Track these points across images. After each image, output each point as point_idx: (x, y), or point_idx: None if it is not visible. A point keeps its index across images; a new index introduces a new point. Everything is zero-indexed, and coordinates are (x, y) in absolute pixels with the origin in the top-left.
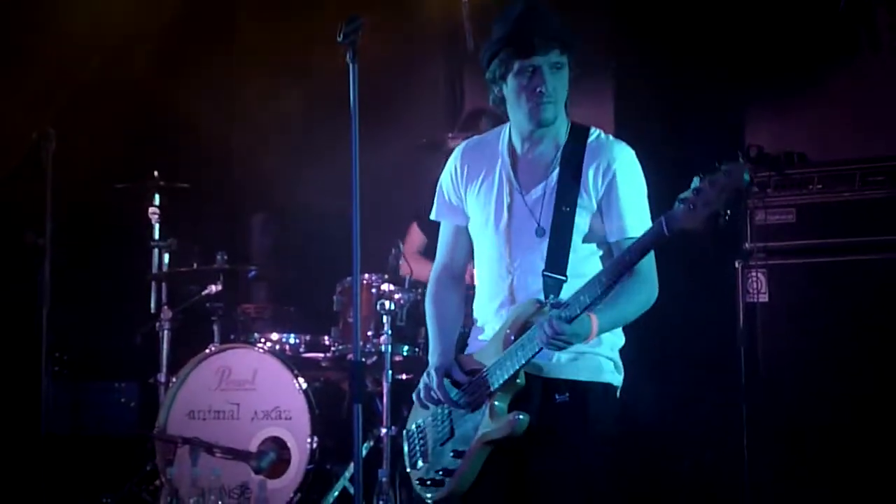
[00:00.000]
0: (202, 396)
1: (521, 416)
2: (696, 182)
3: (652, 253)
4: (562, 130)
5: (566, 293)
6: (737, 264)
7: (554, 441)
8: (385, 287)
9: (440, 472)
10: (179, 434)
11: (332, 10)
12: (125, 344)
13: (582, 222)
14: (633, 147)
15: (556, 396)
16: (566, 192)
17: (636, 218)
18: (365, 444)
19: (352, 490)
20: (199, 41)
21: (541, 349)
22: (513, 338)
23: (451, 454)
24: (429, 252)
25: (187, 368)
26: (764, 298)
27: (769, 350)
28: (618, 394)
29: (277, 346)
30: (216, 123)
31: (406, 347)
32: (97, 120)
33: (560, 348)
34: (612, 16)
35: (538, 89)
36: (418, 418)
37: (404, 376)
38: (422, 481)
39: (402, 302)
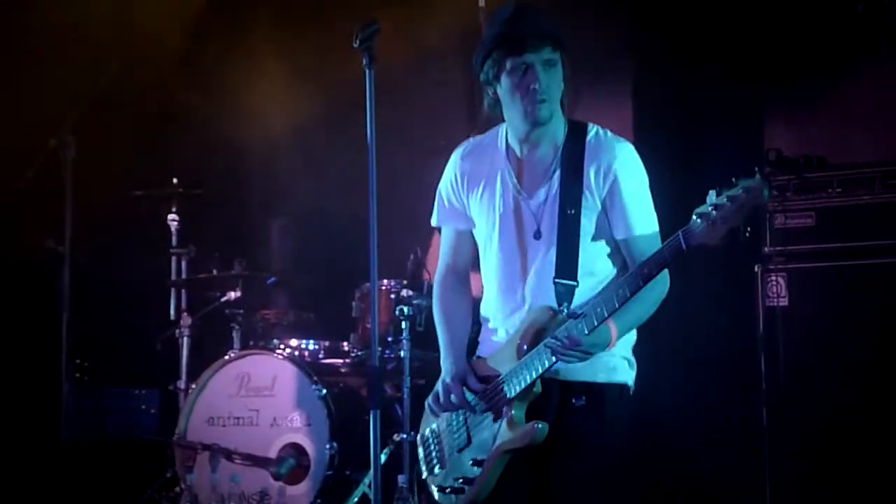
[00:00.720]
0: (222, 403)
1: (539, 426)
2: (712, 196)
3: (660, 244)
4: (559, 130)
5: (579, 298)
6: (756, 268)
7: (573, 445)
8: (404, 293)
9: (460, 481)
10: (199, 440)
11: (349, 14)
12: (145, 350)
13: (588, 223)
14: (652, 151)
15: (574, 401)
16: (569, 195)
17: (640, 214)
18: (384, 450)
19: (371, 496)
20: (218, 47)
21: (557, 360)
22: (525, 347)
23: (471, 462)
24: None
25: (207, 375)
26: (784, 302)
27: (789, 353)
28: (631, 392)
29: (297, 353)
30: (235, 130)
31: (425, 353)
32: (116, 126)
33: (580, 360)
34: (631, 19)
35: (532, 87)
36: (431, 423)
37: (423, 381)
38: (441, 489)
39: (420, 307)
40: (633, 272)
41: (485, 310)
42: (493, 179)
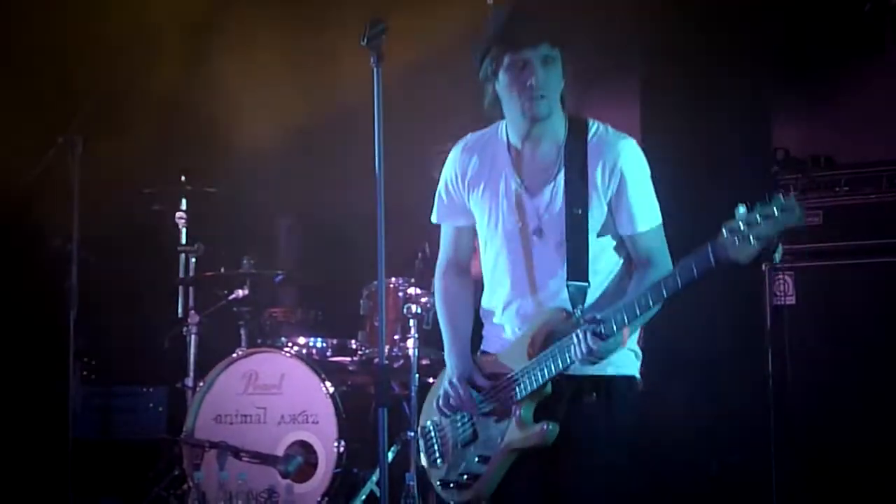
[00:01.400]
0: (229, 401)
1: (549, 427)
2: (742, 212)
3: (663, 235)
4: (560, 127)
5: (591, 298)
6: (763, 267)
7: (584, 440)
8: (411, 291)
9: (465, 476)
10: (207, 438)
11: (358, 13)
12: (153, 348)
13: (595, 222)
14: (659, 150)
15: (584, 397)
16: (575, 195)
17: (645, 210)
18: (392, 448)
19: (379, 494)
20: (226, 46)
21: (573, 363)
22: (537, 347)
23: (477, 459)
24: None
25: (214, 373)
26: (791, 301)
27: (796, 352)
28: (639, 383)
29: (304, 351)
30: (242, 128)
31: (432, 351)
32: (124, 124)
33: (593, 363)
34: (639, 18)
35: (528, 83)
36: (433, 415)
37: (431, 380)
38: (444, 483)
39: (428, 306)
40: (657, 282)
41: (487, 303)
42: (495, 176)
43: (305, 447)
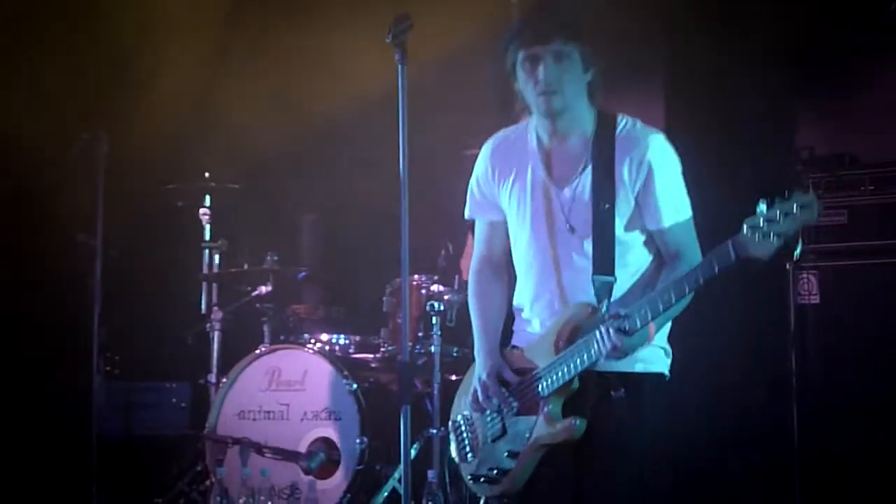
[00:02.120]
0: (252, 397)
1: (577, 422)
2: (762, 207)
3: (692, 229)
4: (587, 121)
5: (617, 292)
6: (788, 266)
7: (612, 437)
8: (435, 288)
9: (494, 471)
10: (229, 434)
11: (381, 10)
12: (176, 344)
13: (621, 217)
14: (683, 146)
15: (612, 393)
16: (602, 190)
17: (673, 205)
18: (414, 445)
19: (401, 491)
20: (249, 42)
21: (598, 359)
22: (562, 343)
23: (506, 454)
24: None
25: (237, 369)
26: (815, 300)
27: (820, 351)
28: (668, 380)
29: (327, 347)
30: (266, 124)
31: (455, 348)
32: (148, 121)
33: (618, 359)
34: (664, 16)
35: (538, 78)
36: (464, 409)
37: (454, 377)
38: (475, 477)
39: (451, 303)
40: (679, 278)
41: (518, 299)
42: (524, 172)
43: (328, 444)
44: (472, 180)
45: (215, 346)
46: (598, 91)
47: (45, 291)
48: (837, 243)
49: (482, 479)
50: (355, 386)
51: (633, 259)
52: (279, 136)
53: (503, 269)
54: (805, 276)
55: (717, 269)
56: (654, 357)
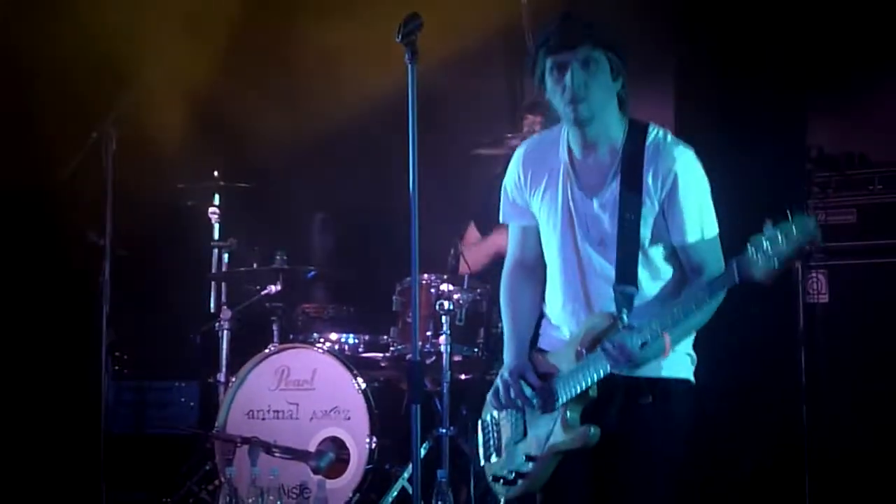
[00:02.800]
0: (261, 396)
1: (591, 430)
2: (768, 229)
3: (717, 246)
4: (617, 130)
5: (639, 303)
6: (797, 265)
7: (639, 443)
8: (444, 287)
9: (513, 474)
10: (239, 434)
11: (392, 9)
12: (185, 343)
13: (647, 228)
14: (694, 147)
15: (640, 399)
16: (629, 200)
17: (698, 221)
18: (424, 445)
19: (410, 490)
20: (260, 41)
21: (611, 369)
22: (584, 351)
23: (524, 457)
24: None
25: (247, 368)
26: (824, 299)
27: (830, 350)
28: (693, 387)
29: (336, 346)
30: (276, 123)
31: (465, 347)
32: (158, 120)
33: (632, 369)
34: (674, 16)
35: (566, 85)
36: (492, 409)
37: (463, 376)
38: (495, 478)
39: (460, 302)
40: (687, 295)
41: (548, 303)
42: (554, 179)
43: (337, 443)
44: (506, 183)
45: (224, 346)
46: (628, 100)
47: (55, 291)
48: (847, 242)
49: (501, 481)
50: (364, 385)
51: (656, 270)
52: (289, 135)
53: (535, 272)
54: (814, 275)
55: (721, 288)
56: (680, 363)
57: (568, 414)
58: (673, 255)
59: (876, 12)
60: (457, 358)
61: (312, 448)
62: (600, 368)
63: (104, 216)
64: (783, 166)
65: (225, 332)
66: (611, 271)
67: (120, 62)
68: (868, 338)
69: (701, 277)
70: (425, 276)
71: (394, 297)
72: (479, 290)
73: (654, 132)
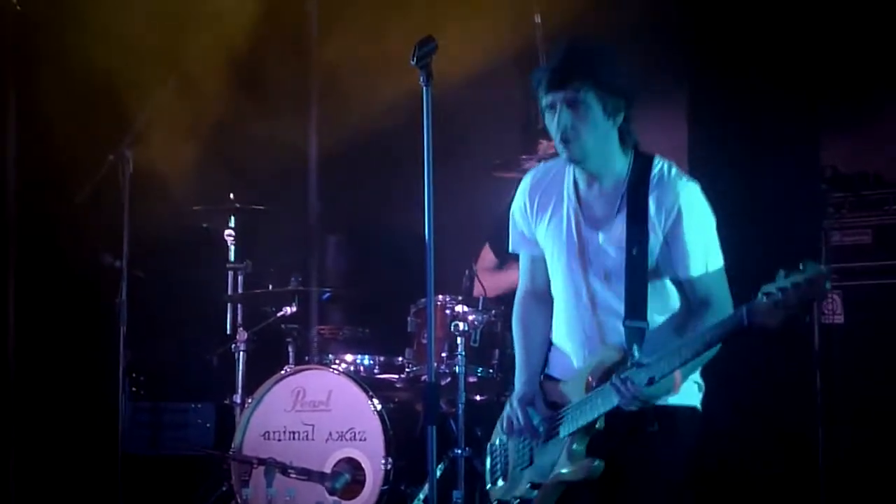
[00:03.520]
0: (277, 417)
1: (595, 463)
2: (781, 278)
3: (722, 279)
4: (621, 164)
5: (651, 335)
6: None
7: (643, 472)
8: (459, 308)
9: (517, 500)
10: (255, 455)
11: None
12: (201, 365)
13: (653, 262)
14: (708, 169)
15: (647, 428)
16: (634, 235)
17: (702, 253)
18: (439, 466)
19: None
20: (276, 62)
21: (619, 404)
22: (594, 384)
23: (529, 485)
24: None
25: (263, 389)
26: (840, 320)
27: (845, 371)
28: (700, 415)
29: (352, 368)
30: (291, 145)
31: (480, 369)
32: (173, 142)
33: (638, 407)
34: (686, 39)
35: (555, 126)
36: (501, 434)
37: (478, 397)
38: (500, 502)
39: (475, 323)
40: (694, 337)
41: (555, 331)
42: (559, 210)
43: (353, 464)
44: (513, 212)
45: (240, 367)
46: (632, 132)
47: (72, 313)
48: (862, 262)
49: None
50: (380, 406)
51: (664, 304)
52: (304, 157)
53: (546, 300)
54: (830, 295)
55: (729, 334)
56: (688, 391)
57: (574, 445)
58: (679, 287)
59: (888, 32)
60: (472, 379)
61: (328, 469)
62: (608, 403)
63: (121, 238)
64: (798, 187)
65: (241, 353)
66: (618, 305)
67: (137, 83)
68: (884, 358)
69: (707, 311)
70: (440, 297)
71: (409, 319)
72: (493, 312)
73: (659, 165)
